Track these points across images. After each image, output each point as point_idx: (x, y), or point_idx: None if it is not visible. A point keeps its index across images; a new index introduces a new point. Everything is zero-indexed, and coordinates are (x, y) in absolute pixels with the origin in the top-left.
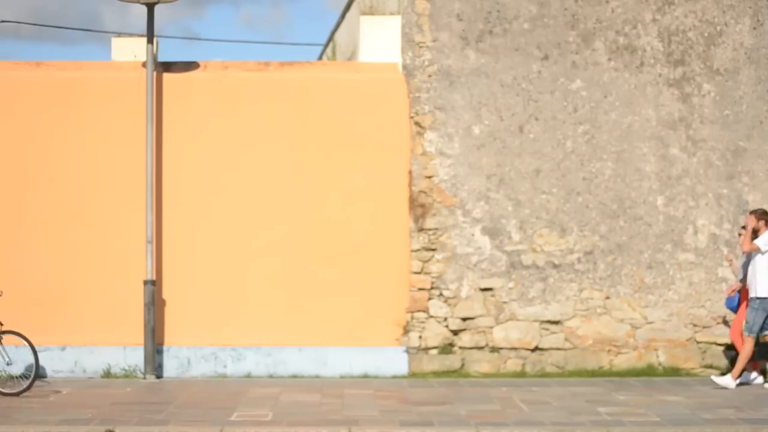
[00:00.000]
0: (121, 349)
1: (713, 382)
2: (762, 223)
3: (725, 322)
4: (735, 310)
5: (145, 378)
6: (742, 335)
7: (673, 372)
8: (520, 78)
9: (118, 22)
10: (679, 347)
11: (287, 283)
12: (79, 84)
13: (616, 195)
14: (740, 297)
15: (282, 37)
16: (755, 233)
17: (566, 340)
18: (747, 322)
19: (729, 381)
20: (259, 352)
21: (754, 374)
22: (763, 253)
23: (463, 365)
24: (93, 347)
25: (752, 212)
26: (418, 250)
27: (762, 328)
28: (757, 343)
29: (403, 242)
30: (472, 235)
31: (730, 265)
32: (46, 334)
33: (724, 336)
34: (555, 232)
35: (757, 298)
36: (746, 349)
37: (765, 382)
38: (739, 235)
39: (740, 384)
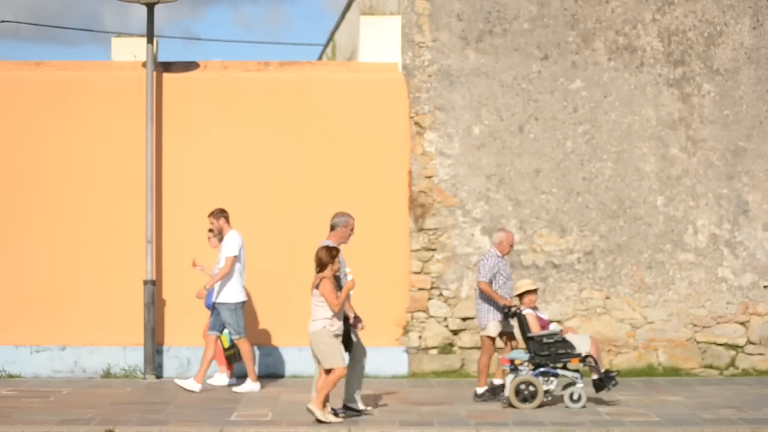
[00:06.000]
0: (121, 349)
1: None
2: (223, 221)
3: (723, 322)
4: (212, 308)
5: (145, 378)
6: (206, 336)
7: (673, 372)
8: (520, 78)
9: (118, 23)
10: (678, 347)
11: (287, 282)
12: (79, 84)
13: (616, 195)
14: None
15: (280, 37)
16: (220, 232)
17: None
18: (230, 326)
19: (252, 385)
20: (259, 352)
21: (223, 376)
22: (227, 255)
23: (463, 365)
24: (93, 347)
25: (210, 214)
26: (418, 250)
27: (213, 327)
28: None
29: (403, 242)
30: (472, 235)
31: (201, 270)
32: (46, 334)
33: (724, 336)
34: (555, 232)
35: (233, 302)
36: (245, 350)
37: (235, 385)
38: (209, 238)
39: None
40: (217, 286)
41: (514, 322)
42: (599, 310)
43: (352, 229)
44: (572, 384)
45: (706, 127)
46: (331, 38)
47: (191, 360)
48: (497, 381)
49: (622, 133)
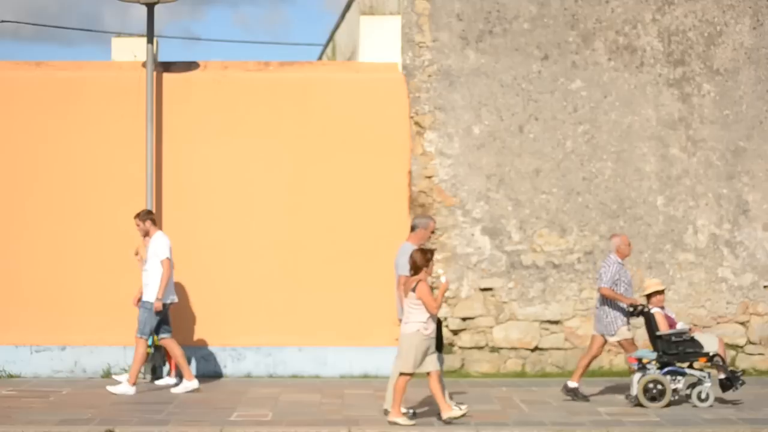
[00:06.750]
0: (121, 349)
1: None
2: (149, 223)
3: (723, 322)
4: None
5: (145, 378)
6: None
7: None
8: (520, 78)
9: (118, 23)
10: None
11: (287, 282)
12: (79, 84)
13: (616, 195)
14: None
15: (280, 37)
16: (147, 234)
17: (566, 340)
18: (139, 322)
19: (127, 387)
20: (259, 352)
21: (170, 378)
22: (161, 259)
23: (463, 365)
24: (93, 347)
25: (136, 216)
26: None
27: (158, 331)
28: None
29: (403, 242)
30: (472, 235)
31: (138, 261)
32: (46, 334)
33: (724, 336)
34: (555, 232)
35: (149, 301)
36: (139, 352)
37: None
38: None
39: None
40: (150, 285)
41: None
42: None
43: (432, 231)
44: (699, 383)
45: (706, 127)
46: (331, 38)
47: (191, 360)
48: (571, 383)
49: (622, 133)
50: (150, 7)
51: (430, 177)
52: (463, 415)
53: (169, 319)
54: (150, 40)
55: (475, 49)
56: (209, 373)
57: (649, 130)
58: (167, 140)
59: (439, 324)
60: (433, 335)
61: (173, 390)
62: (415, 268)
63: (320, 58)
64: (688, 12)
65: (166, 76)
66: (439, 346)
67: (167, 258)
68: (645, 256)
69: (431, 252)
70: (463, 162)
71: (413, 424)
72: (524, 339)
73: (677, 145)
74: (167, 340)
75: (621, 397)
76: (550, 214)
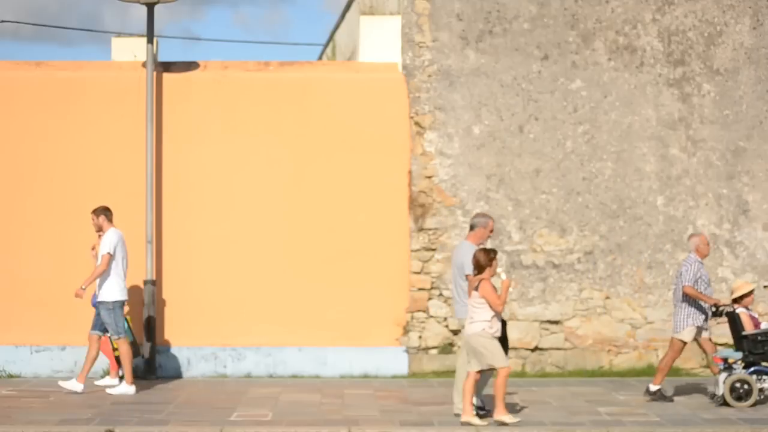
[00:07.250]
0: None
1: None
2: (103, 218)
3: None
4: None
5: (145, 378)
6: (110, 340)
7: (673, 372)
8: (520, 78)
9: (118, 23)
10: None
11: (287, 283)
12: (79, 84)
13: (616, 195)
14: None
15: (280, 37)
16: (100, 230)
17: (566, 340)
18: (109, 325)
19: (126, 388)
20: (259, 352)
21: (110, 379)
22: (112, 256)
23: None
24: None
25: (92, 211)
26: (418, 250)
27: (96, 326)
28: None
29: (403, 242)
30: None
31: (93, 257)
32: (46, 334)
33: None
34: (555, 232)
35: (110, 300)
36: (124, 351)
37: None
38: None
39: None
40: (97, 285)
41: (708, 322)
42: (599, 310)
43: (491, 231)
44: None
45: (706, 127)
46: (331, 38)
47: (191, 360)
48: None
49: (622, 133)
50: (150, 7)
51: (430, 177)
52: (481, 425)
53: (97, 317)
54: (150, 40)
55: (475, 49)
56: (209, 373)
57: (649, 130)
58: (167, 140)
59: (504, 325)
60: (498, 334)
61: (60, 382)
62: (479, 267)
63: (320, 58)
64: (688, 12)
65: (166, 76)
66: (505, 347)
67: (108, 253)
68: (645, 256)
69: (494, 251)
70: (463, 162)
71: (518, 421)
72: (524, 339)
73: (677, 145)
74: (93, 337)
75: (621, 397)
76: (550, 214)
